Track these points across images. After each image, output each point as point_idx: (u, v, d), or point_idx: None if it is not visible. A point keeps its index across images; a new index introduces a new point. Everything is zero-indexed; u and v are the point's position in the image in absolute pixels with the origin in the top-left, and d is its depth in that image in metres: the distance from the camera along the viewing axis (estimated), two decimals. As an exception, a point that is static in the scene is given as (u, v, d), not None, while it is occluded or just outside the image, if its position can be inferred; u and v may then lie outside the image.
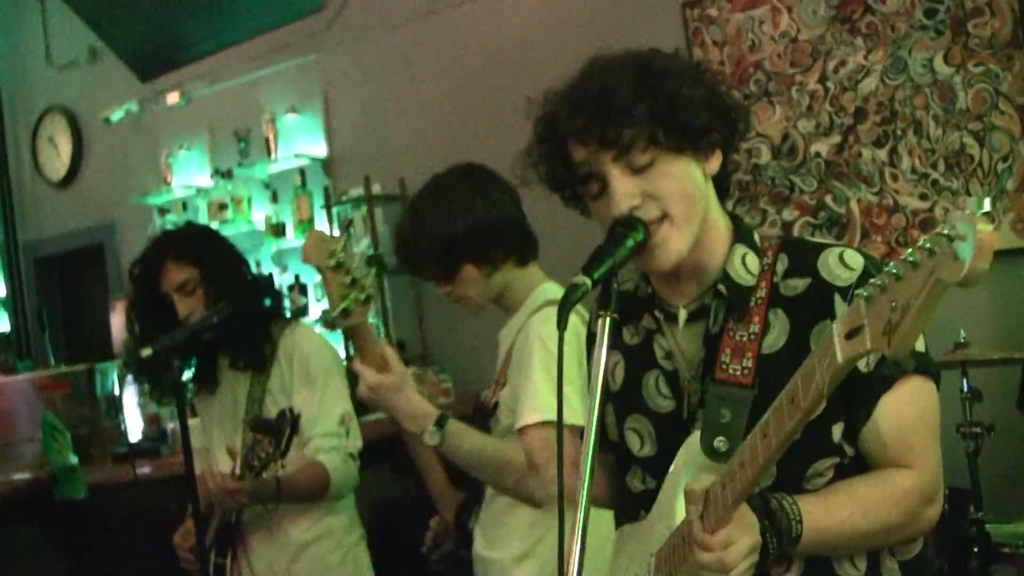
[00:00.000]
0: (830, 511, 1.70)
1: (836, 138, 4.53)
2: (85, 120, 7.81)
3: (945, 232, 1.19)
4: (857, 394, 1.71)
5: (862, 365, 1.67)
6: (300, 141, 6.47)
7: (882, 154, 4.42)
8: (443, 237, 2.69)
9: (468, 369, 5.60)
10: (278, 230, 6.41)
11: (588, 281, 1.63)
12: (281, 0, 6.43)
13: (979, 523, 3.31)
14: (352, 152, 6.28)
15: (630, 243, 1.69)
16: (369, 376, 2.42)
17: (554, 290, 2.73)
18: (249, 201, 6.65)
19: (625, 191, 1.72)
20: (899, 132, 4.38)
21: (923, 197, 4.34)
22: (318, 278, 6.05)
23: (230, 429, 3.35)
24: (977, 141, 4.22)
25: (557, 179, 1.82)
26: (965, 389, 3.39)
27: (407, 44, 6.03)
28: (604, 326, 1.65)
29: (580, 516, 1.57)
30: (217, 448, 3.30)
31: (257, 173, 6.63)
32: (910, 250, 1.24)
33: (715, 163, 1.80)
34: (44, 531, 4.42)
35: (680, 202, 1.74)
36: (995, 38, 4.16)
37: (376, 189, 5.93)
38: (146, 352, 2.96)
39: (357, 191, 5.95)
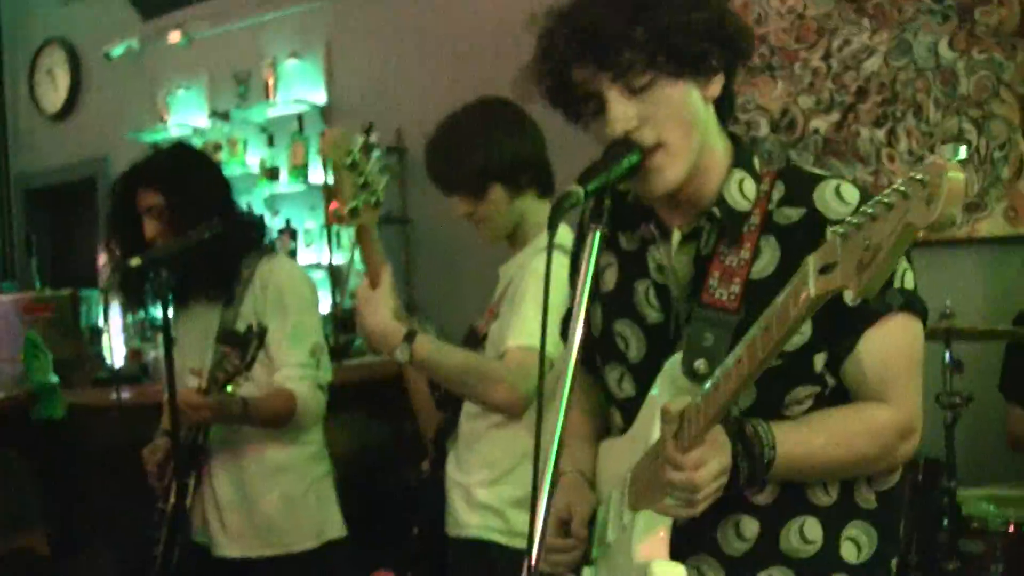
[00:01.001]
0: (805, 439, 1.72)
1: (836, 116, 4.54)
2: (85, 54, 7.79)
3: (919, 177, 1.21)
4: (842, 326, 1.72)
5: (848, 298, 1.69)
6: (300, 87, 6.45)
7: (880, 134, 4.44)
8: (483, 153, 2.78)
9: (453, 322, 5.60)
10: (272, 174, 6.41)
11: (581, 191, 1.63)
12: (291, -55, 6.42)
13: (951, 493, 3.34)
14: (351, 101, 6.27)
15: (626, 163, 1.70)
16: (361, 288, 2.54)
17: (563, 233, 2.76)
18: (245, 144, 6.65)
19: (622, 113, 1.71)
20: (899, 114, 4.39)
21: (918, 180, 4.35)
22: (310, 224, 6.20)
23: (201, 352, 3.33)
24: (976, 127, 4.23)
25: (557, 97, 1.82)
26: (947, 359, 3.40)
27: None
28: (594, 240, 1.66)
29: (556, 435, 1.60)
30: (185, 372, 3.28)
31: (255, 116, 6.62)
32: (886, 191, 1.26)
33: (716, 87, 1.79)
34: (21, 452, 4.43)
35: (677, 129, 1.73)
36: (1001, 27, 4.17)
37: (373, 139, 5.91)
38: (135, 262, 2.97)
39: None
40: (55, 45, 7.91)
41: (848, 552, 1.81)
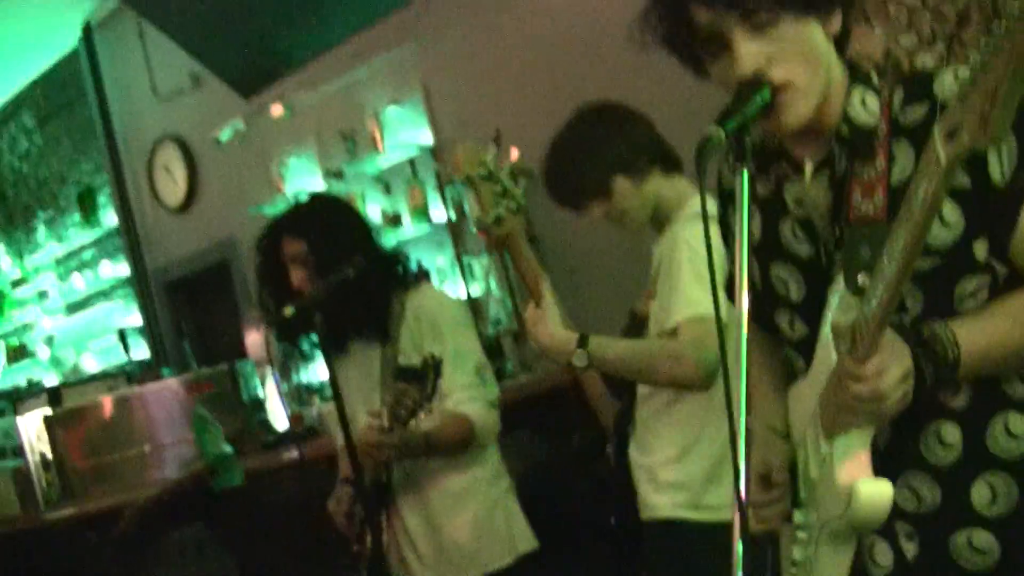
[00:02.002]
0: (987, 329, 1.69)
1: (940, 48, 4.45)
2: (196, 144, 8.04)
3: (1016, 11, 1.21)
4: (996, 209, 1.69)
5: (997, 176, 1.66)
6: (405, 132, 6.55)
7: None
8: (591, 154, 2.83)
9: (579, 259, 5.60)
10: (394, 221, 6.51)
11: (722, 132, 1.64)
12: (370, -2, 6.54)
13: None
14: (457, 134, 6.34)
15: (759, 100, 1.70)
16: (529, 311, 2.64)
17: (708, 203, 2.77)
18: (363, 197, 6.76)
19: (749, 52, 1.72)
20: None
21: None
22: (440, 261, 6.26)
23: (368, 393, 3.41)
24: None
25: (677, 40, 1.82)
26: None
27: (502, 26, 6.07)
28: (742, 179, 1.67)
29: (741, 397, 1.58)
30: (359, 414, 3.35)
31: (367, 169, 6.73)
32: (987, 37, 1.25)
33: (837, 22, 1.80)
34: (208, 527, 4.56)
35: (804, 66, 1.74)
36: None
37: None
38: (289, 311, 3.06)
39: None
40: (167, 141, 8.18)
41: None
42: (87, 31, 8.50)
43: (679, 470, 2.83)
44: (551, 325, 2.62)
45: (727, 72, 1.75)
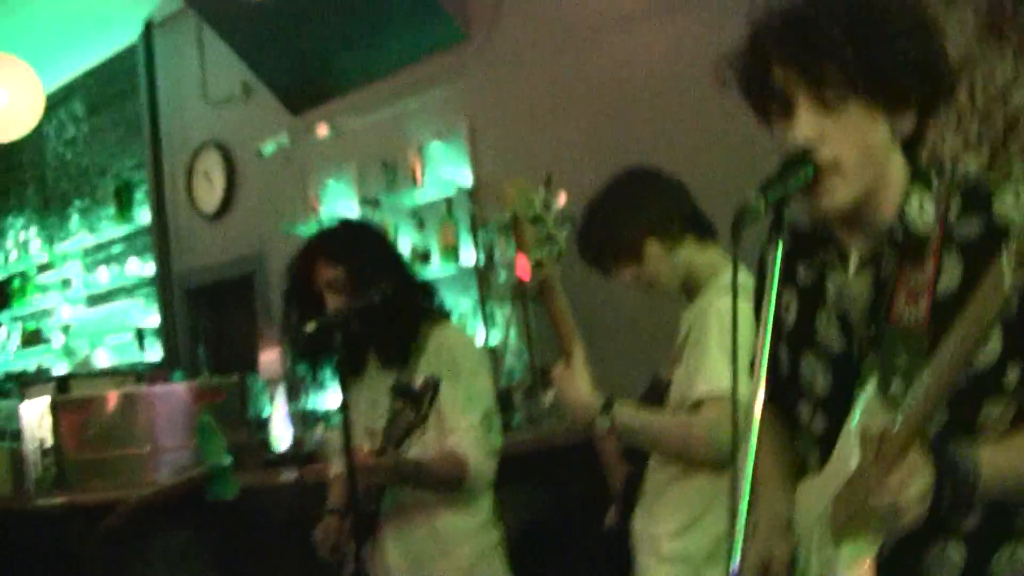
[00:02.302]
0: (1010, 459, 1.67)
1: (985, 152, 4.43)
2: (238, 154, 8.08)
3: None
4: None
5: None
6: (446, 170, 6.56)
7: (1038, 167, 4.33)
8: (626, 216, 2.82)
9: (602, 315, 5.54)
10: (424, 257, 6.50)
11: (762, 203, 1.63)
12: (428, 31, 6.57)
13: None
14: (497, 178, 6.34)
15: (801, 176, 1.69)
16: (557, 369, 2.64)
17: (743, 277, 2.73)
18: (396, 229, 6.76)
19: (807, 123, 1.72)
20: (1055, 144, 4.28)
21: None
22: (464, 304, 6.24)
23: (374, 421, 3.36)
24: None
25: (752, 90, 1.81)
26: None
27: (553, 73, 6.09)
28: (776, 251, 1.65)
29: (747, 480, 1.56)
30: (362, 440, 3.29)
31: (404, 201, 6.74)
32: None
33: (908, 123, 1.77)
34: (196, 533, 4.53)
35: (855, 154, 1.72)
36: None
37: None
38: (310, 327, 3.04)
39: (503, 217, 6.00)
40: (210, 147, 8.22)
41: None
42: (148, 28, 8.59)
43: (683, 543, 2.79)
44: (580, 384, 2.63)
45: (784, 135, 1.75)
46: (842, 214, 1.77)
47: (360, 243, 3.45)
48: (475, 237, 6.25)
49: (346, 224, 3.66)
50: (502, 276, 6.05)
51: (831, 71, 1.69)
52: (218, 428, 4.37)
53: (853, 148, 1.72)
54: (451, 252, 6.41)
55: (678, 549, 2.80)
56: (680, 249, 2.84)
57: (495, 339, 6.10)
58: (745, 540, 1.55)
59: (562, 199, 2.69)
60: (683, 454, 2.72)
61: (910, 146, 1.82)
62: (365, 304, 3.18)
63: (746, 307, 2.55)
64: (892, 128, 1.76)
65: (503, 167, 6.31)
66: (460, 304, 6.43)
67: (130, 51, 8.80)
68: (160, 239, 8.54)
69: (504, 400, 5.71)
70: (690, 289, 2.89)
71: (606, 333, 5.50)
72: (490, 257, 6.15)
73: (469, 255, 6.32)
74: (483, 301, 6.16)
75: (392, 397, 3.08)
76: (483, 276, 6.21)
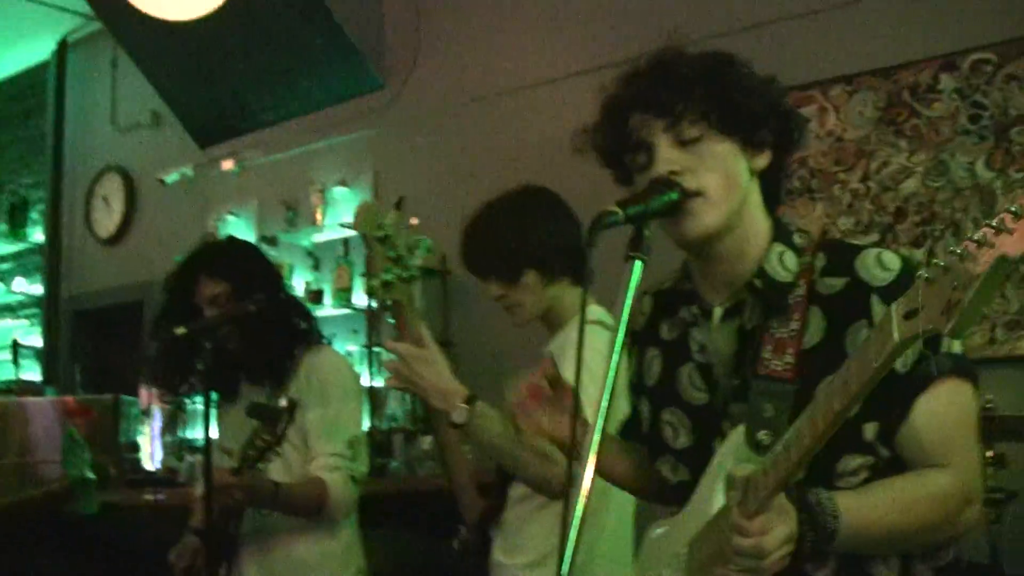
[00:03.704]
0: (868, 507, 1.70)
1: (875, 236, 4.58)
2: (140, 181, 8.03)
3: (1013, 209, 1.24)
4: (893, 394, 1.71)
5: (899, 365, 1.69)
6: (347, 213, 6.57)
7: (919, 254, 4.46)
8: (516, 238, 2.79)
9: (491, 364, 5.55)
10: (316, 297, 6.49)
11: (620, 212, 1.67)
12: (345, 78, 6.61)
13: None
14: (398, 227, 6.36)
15: (665, 199, 1.74)
16: (403, 347, 2.45)
17: (603, 313, 2.76)
18: (291, 268, 6.74)
19: (668, 157, 1.78)
20: (937, 233, 4.42)
21: (957, 299, 4.34)
22: (352, 347, 6.23)
23: (237, 442, 3.33)
24: (1014, 247, 4.24)
25: (611, 146, 1.88)
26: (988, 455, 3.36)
27: (461, 129, 6.17)
28: (633, 269, 1.67)
29: (579, 500, 1.58)
30: (219, 454, 3.23)
31: (302, 241, 6.74)
32: (979, 231, 1.27)
33: (763, 161, 1.85)
34: (54, 549, 4.41)
35: (719, 181, 1.79)
36: (1037, 146, 4.23)
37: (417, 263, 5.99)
38: (180, 330, 3.00)
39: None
40: (113, 172, 8.14)
41: None
42: (62, 46, 8.53)
43: (539, 574, 2.77)
44: (442, 369, 2.47)
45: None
46: (707, 245, 1.82)
47: (244, 260, 3.43)
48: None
49: (231, 241, 3.64)
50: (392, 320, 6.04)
51: (683, 107, 1.77)
52: (84, 443, 4.27)
53: (715, 176, 1.78)
54: (344, 294, 6.40)
55: None
56: (554, 286, 2.84)
57: (380, 382, 6.07)
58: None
59: (414, 222, 2.67)
60: (529, 469, 2.61)
61: (769, 197, 1.89)
62: (238, 312, 3.15)
63: (604, 335, 2.58)
64: (749, 165, 1.83)
65: (404, 217, 6.32)
66: (348, 347, 6.42)
67: (41, 67, 8.73)
68: (52, 259, 8.40)
69: (383, 444, 5.69)
70: (552, 323, 2.89)
71: (500, 379, 5.52)
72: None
73: (361, 299, 6.31)
74: (371, 345, 6.14)
75: (250, 416, 3.05)
76: (373, 320, 6.20)
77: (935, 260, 1.32)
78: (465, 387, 2.50)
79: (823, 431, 1.51)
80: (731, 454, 1.79)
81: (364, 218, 2.53)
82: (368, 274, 2.60)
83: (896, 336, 1.38)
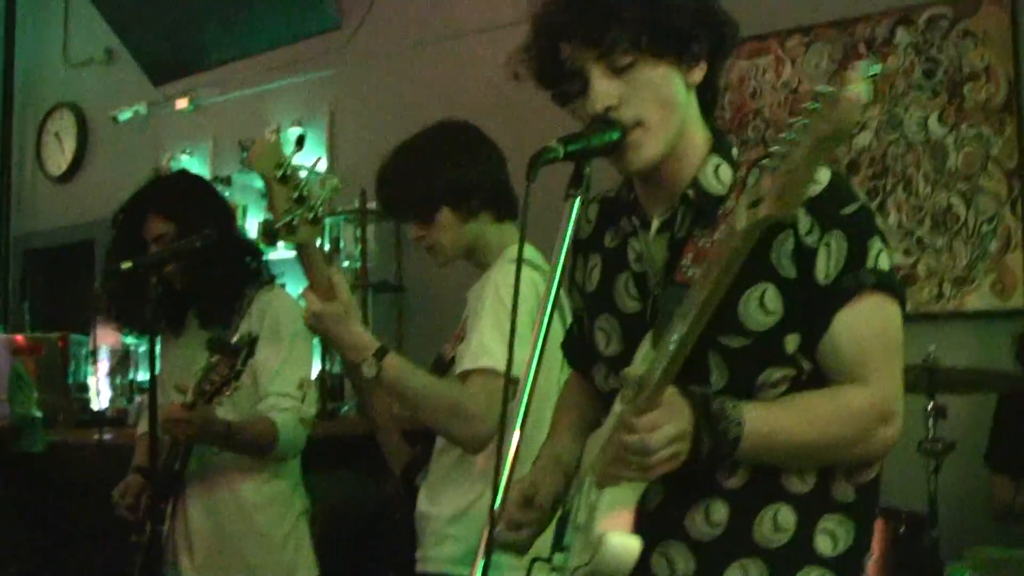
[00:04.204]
0: (775, 418, 1.71)
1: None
2: (93, 118, 7.89)
3: (825, 91, 1.33)
4: (814, 306, 1.72)
5: (821, 277, 1.71)
6: (301, 154, 6.49)
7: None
8: (426, 177, 2.74)
9: (443, 310, 5.57)
10: (270, 238, 6.40)
11: (560, 148, 1.67)
12: (302, 16, 6.54)
13: (934, 544, 3.30)
14: (352, 169, 6.31)
15: (607, 137, 1.74)
16: (313, 303, 2.39)
17: (533, 252, 2.72)
18: (245, 209, 6.68)
19: (603, 90, 1.76)
20: (889, 187, 4.46)
21: (907, 252, 4.40)
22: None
23: (187, 378, 3.31)
24: (964, 202, 4.29)
25: (545, 75, 1.86)
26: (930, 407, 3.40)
27: (417, 71, 6.12)
28: (572, 206, 1.68)
29: (509, 452, 1.58)
30: (169, 391, 3.20)
31: (256, 181, 6.66)
32: (792, 125, 1.37)
33: (698, 74, 1.84)
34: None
35: (657, 109, 1.78)
36: (989, 103, 4.26)
37: (371, 206, 5.97)
38: (126, 265, 2.97)
39: (352, 206, 6.00)
40: (64, 109, 8.01)
41: (823, 545, 1.77)
42: (12, -22, 8.34)
43: (462, 525, 2.72)
44: (353, 323, 2.41)
45: (585, 110, 1.79)
46: (650, 171, 1.82)
47: (193, 196, 3.40)
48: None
49: (179, 177, 3.60)
50: (345, 263, 6.03)
51: (613, 34, 1.74)
52: (31, 381, 4.25)
53: (652, 104, 1.77)
54: (298, 236, 6.33)
55: (457, 531, 2.73)
56: (472, 222, 2.78)
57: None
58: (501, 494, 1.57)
59: (321, 164, 2.56)
60: (442, 422, 2.58)
61: (707, 106, 1.89)
62: (185, 247, 3.12)
63: (533, 276, 2.57)
64: (685, 81, 1.82)
65: (359, 157, 6.29)
66: (302, 287, 6.37)
67: (-10, 1, 8.53)
68: (2, 197, 8.26)
69: (334, 387, 5.69)
70: (478, 261, 2.84)
71: (452, 326, 5.54)
72: (336, 244, 6.12)
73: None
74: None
75: (208, 351, 3.02)
76: (328, 261, 6.17)
77: (774, 149, 1.41)
78: (375, 339, 2.45)
79: (693, 321, 1.54)
80: (643, 359, 1.80)
81: (260, 156, 2.33)
82: (268, 219, 2.42)
83: (739, 225, 1.44)
